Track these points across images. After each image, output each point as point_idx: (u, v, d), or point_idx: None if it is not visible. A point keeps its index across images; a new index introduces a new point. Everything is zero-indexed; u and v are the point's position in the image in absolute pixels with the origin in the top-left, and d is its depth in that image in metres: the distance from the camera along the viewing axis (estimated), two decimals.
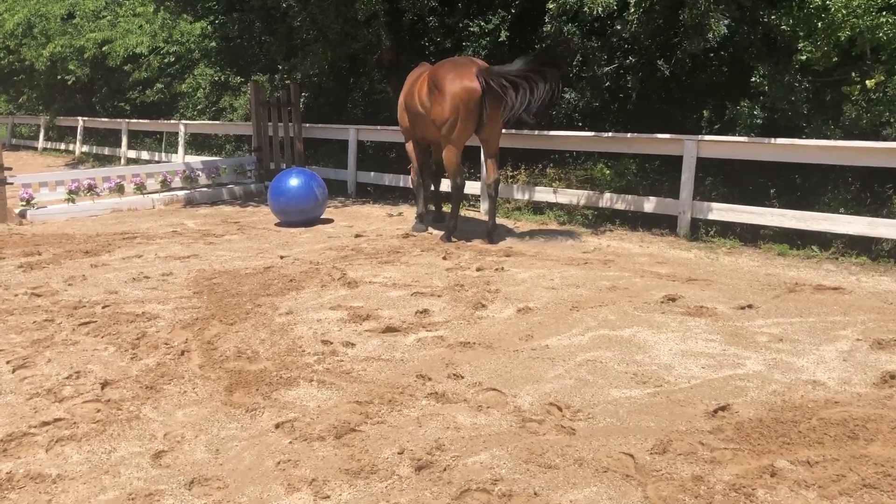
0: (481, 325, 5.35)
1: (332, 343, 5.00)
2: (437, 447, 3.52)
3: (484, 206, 10.03)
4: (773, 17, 7.07)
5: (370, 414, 3.89)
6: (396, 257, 7.56)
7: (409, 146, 8.99)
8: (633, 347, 4.84)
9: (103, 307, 5.88)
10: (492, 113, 7.71)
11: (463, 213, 9.91)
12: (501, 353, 4.76)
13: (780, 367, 4.48)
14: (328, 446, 3.55)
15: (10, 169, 10.00)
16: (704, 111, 9.84)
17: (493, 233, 8.14)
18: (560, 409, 3.93)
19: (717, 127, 9.30)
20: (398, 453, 3.47)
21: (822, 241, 7.49)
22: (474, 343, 4.95)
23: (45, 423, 3.81)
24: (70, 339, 5.15)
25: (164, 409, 3.99)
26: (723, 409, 3.91)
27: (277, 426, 3.78)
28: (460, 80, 7.65)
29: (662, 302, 5.84)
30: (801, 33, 7.07)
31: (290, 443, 3.60)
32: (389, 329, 5.25)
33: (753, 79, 7.52)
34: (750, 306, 5.70)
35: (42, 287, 6.50)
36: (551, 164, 10.58)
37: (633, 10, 7.34)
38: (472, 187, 10.00)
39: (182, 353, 4.85)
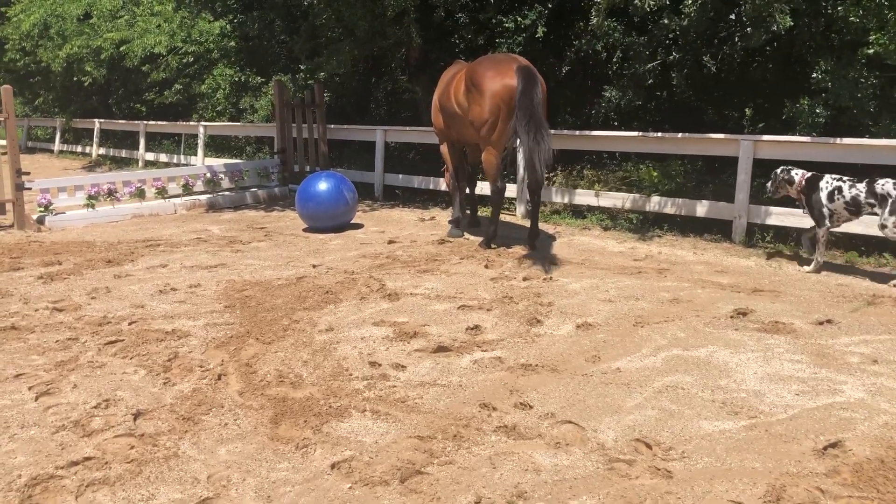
0: (540, 343, 4.92)
1: (380, 365, 4.58)
2: (517, 495, 3.09)
3: (520, 209, 9.61)
4: (839, 8, 6.59)
5: (435, 452, 3.47)
6: (435, 265, 7.14)
7: (444, 148, 8.55)
8: (714, 370, 4.39)
9: (130, 323, 5.48)
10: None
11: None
12: (569, 378, 4.33)
13: (885, 395, 4.02)
14: (393, 492, 3.13)
15: (27, 174, 9.65)
16: (746, 109, 9.39)
17: (535, 239, 7.70)
18: (649, 445, 3.49)
19: (761, 125, 8.84)
20: (475, 503, 3.04)
21: (890, 248, 7.01)
22: (536, 365, 4.52)
23: (74, 463, 3.40)
24: (96, 360, 4.75)
25: (205, 446, 3.58)
26: (833, 445, 3.46)
27: (333, 466, 3.36)
28: (500, 77, 7.21)
29: (733, 316, 5.39)
30: (870, 25, 6.59)
31: (350, 488, 3.18)
32: (441, 349, 4.83)
33: (815, 75, 7.04)
34: (829, 321, 5.25)
35: (64, 301, 6.11)
36: (588, 165, 10.14)
37: (689, 2, 6.87)
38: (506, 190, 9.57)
39: (219, 377, 4.44)
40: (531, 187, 7.60)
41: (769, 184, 6.61)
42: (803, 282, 6.31)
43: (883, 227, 6.01)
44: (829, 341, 4.87)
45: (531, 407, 3.94)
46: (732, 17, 7.83)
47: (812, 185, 6.34)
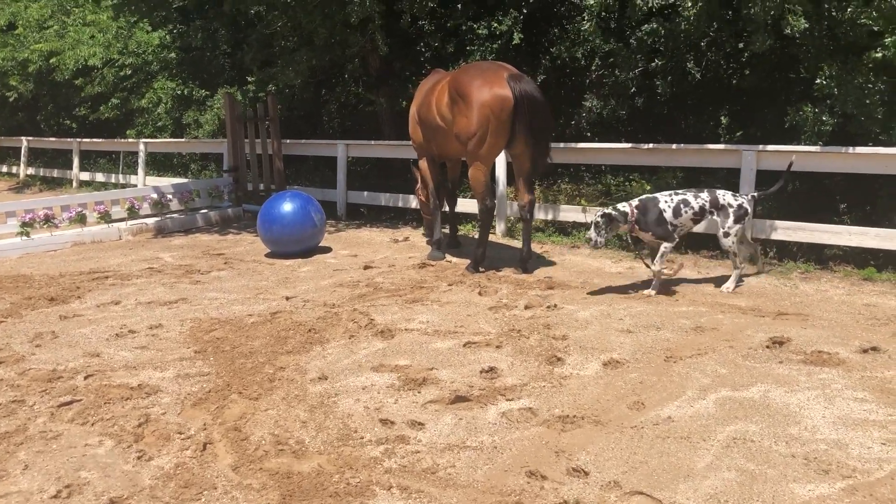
0: (570, 388, 4.32)
1: (393, 423, 3.92)
2: None
3: (500, 227, 9.02)
4: (848, 10, 6.21)
5: None
6: (423, 294, 6.49)
7: (424, 164, 7.90)
8: (777, 416, 3.86)
9: (86, 377, 4.69)
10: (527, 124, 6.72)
11: (469, 234, 8.89)
12: (618, 432, 3.74)
13: None
14: None
15: None
16: (722, 117, 9.01)
17: (528, 261, 7.13)
18: None
19: (739, 134, 8.47)
20: None
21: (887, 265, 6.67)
22: (575, 417, 3.92)
23: None
24: (50, 429, 3.97)
25: None
26: None
27: None
28: (489, 86, 6.62)
29: (769, 346, 4.89)
30: (878, 28, 6.23)
31: None
32: (459, 399, 4.19)
33: (819, 80, 6.65)
34: (874, 349, 4.79)
35: (2, 350, 5.27)
36: (566, 179, 9.63)
37: (690, 4, 6.41)
38: (468, 206, 9.01)
39: (204, 446, 3.72)
40: (524, 204, 7.04)
41: (593, 233, 6.08)
42: (827, 303, 5.88)
43: (726, 234, 6.13)
44: (886, 373, 4.40)
45: (587, 473, 3.34)
46: (728, 18, 7.39)
47: (649, 208, 6.13)
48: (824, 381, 4.31)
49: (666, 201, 6.15)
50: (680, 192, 6.28)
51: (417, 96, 7.78)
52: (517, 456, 3.53)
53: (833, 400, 4.04)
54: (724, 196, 6.16)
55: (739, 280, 6.37)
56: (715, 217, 6.18)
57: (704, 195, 6.18)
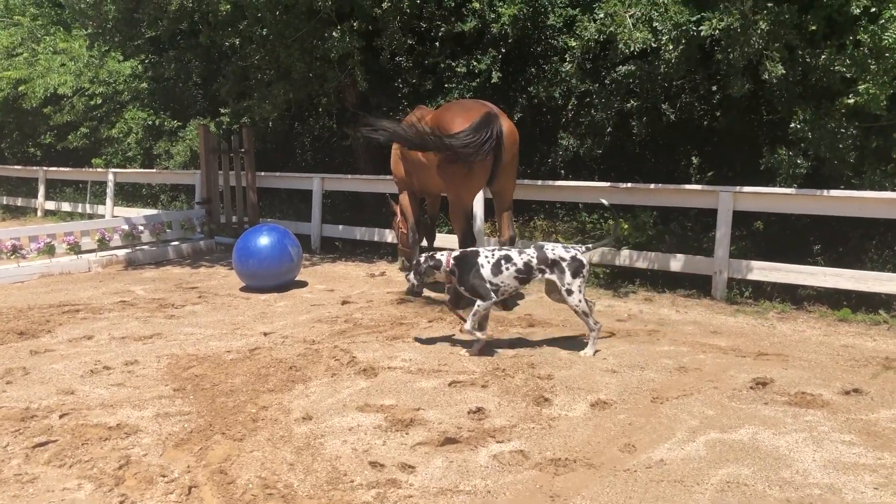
0: (559, 429, 4.29)
1: (383, 466, 3.84)
2: None
3: None
4: (823, 57, 6.38)
5: None
6: (404, 331, 6.44)
7: (405, 198, 7.90)
8: (768, 459, 3.87)
9: (61, 416, 4.54)
10: (508, 161, 6.77)
11: None
12: (611, 476, 3.71)
13: None
14: None
15: None
16: (693, 158, 9.18)
17: (509, 299, 7.12)
18: None
19: (727, 174, 8.61)
20: None
21: (875, 303, 6.78)
22: (567, 460, 3.88)
23: None
24: (25, 471, 3.82)
25: None
26: None
27: None
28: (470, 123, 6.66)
29: (752, 388, 4.92)
30: (851, 75, 6.41)
31: None
32: (448, 441, 4.14)
33: (793, 124, 6.80)
34: (856, 391, 4.84)
35: None
36: (541, 216, 9.68)
37: (671, 46, 6.53)
38: (445, 240, 8.99)
39: (189, 489, 3.61)
40: (505, 240, 7.08)
41: (413, 277, 5.82)
42: (805, 343, 5.95)
43: (569, 292, 5.56)
44: (870, 416, 4.45)
45: None
46: (704, 63, 7.55)
47: (466, 263, 5.76)
48: (811, 423, 4.34)
49: (486, 256, 5.71)
50: (505, 248, 5.84)
51: None
52: (512, 501, 3.48)
53: (821, 443, 4.06)
54: (555, 250, 5.66)
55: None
56: (549, 275, 5.65)
57: (530, 251, 5.70)
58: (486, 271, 5.65)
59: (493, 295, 5.68)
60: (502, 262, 5.66)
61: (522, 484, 3.64)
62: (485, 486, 3.63)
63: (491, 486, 3.63)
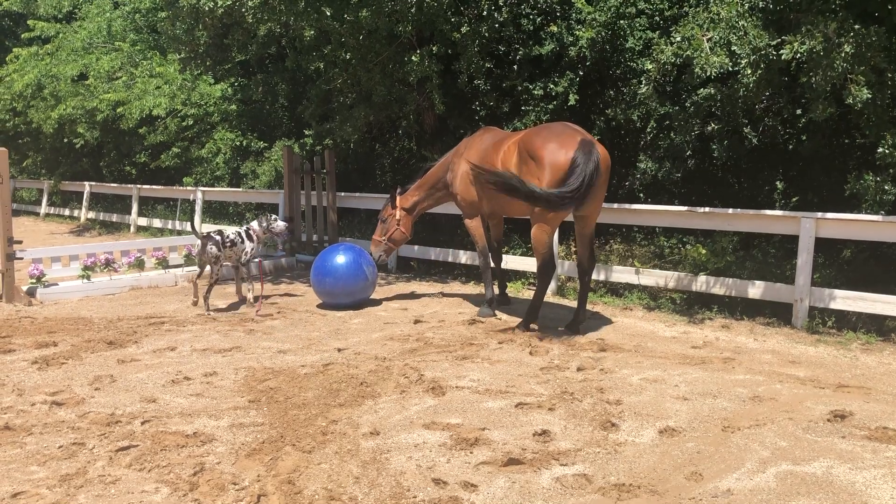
0: (625, 455, 4.25)
1: (446, 484, 3.89)
2: None
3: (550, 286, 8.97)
4: None
5: None
6: (474, 351, 6.48)
7: (475, 223, 7.95)
8: (842, 494, 3.74)
9: (143, 423, 4.77)
10: (598, 186, 6.72)
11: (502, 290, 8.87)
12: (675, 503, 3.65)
13: None
14: None
15: (19, 242, 8.95)
16: (777, 183, 8.93)
17: (580, 324, 7.09)
18: None
19: (812, 200, 8.37)
20: None
21: None
22: (631, 486, 3.84)
23: None
24: (109, 473, 4.03)
25: None
26: None
27: None
28: (564, 149, 6.64)
29: (830, 420, 4.76)
30: None
31: None
32: (512, 461, 4.15)
33: (881, 149, 6.58)
34: None
35: (63, 392, 5.39)
36: (618, 240, 9.60)
37: (749, 71, 6.44)
38: (517, 262, 9.00)
39: (258, 498, 3.73)
40: (583, 266, 7.06)
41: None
42: (890, 376, 5.71)
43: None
44: None
45: None
46: (786, 86, 7.39)
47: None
48: (891, 459, 4.17)
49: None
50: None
51: (471, 153, 7.76)
52: None
53: None
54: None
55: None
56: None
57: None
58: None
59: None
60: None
61: None
62: None
63: None
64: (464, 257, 10.13)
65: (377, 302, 8.75)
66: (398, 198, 8.65)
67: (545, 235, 6.85)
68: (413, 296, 9.08)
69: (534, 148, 6.75)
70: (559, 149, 6.59)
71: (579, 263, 7.23)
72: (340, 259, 8.22)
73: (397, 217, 8.64)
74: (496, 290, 8.30)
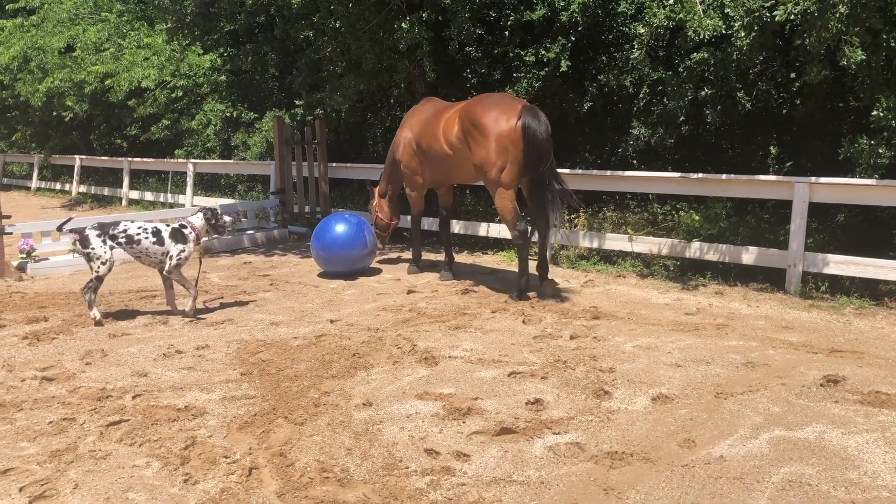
0: (618, 422, 4.25)
1: (438, 454, 3.88)
2: None
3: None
4: None
5: None
6: (467, 321, 6.46)
7: (415, 194, 8.33)
8: (834, 458, 3.74)
9: (134, 397, 4.74)
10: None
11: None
12: (668, 470, 3.65)
13: None
14: None
15: (8, 217, 8.88)
16: (771, 147, 8.87)
17: (546, 271, 7.36)
18: None
19: (807, 165, 8.32)
20: None
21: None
22: (624, 453, 3.84)
23: None
24: (99, 448, 4.01)
25: None
26: None
27: None
28: (506, 118, 6.73)
29: (823, 385, 4.75)
30: None
31: None
32: (504, 430, 4.14)
33: (875, 112, 6.51)
34: None
35: (54, 367, 5.36)
36: (612, 207, 9.54)
37: (743, 33, 6.34)
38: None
39: (250, 471, 3.72)
40: (542, 231, 7.04)
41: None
42: (883, 340, 5.71)
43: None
44: None
45: None
46: (780, 49, 7.29)
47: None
48: (884, 423, 4.17)
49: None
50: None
51: (413, 124, 7.98)
52: (565, 493, 3.47)
53: (894, 444, 3.90)
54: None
55: None
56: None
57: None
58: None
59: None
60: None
61: (576, 476, 3.62)
62: (538, 476, 3.62)
63: (545, 476, 3.62)
64: (457, 227, 10.08)
65: (370, 272, 8.71)
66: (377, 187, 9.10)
67: (508, 201, 6.90)
68: (406, 266, 9.03)
69: (475, 117, 6.80)
70: (501, 116, 6.65)
71: (538, 228, 7.18)
72: (341, 227, 8.19)
73: (374, 204, 9.08)
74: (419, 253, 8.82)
